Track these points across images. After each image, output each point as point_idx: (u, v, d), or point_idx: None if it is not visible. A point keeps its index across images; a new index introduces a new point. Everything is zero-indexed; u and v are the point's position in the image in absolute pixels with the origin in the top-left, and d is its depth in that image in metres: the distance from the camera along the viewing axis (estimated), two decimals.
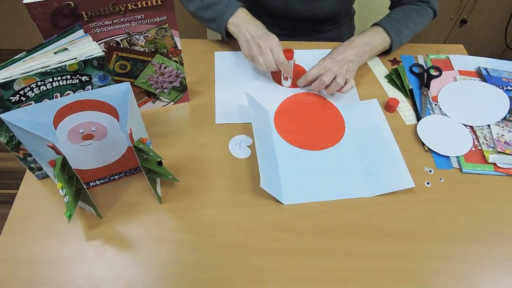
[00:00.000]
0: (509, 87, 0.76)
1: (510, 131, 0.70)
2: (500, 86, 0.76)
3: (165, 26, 0.61)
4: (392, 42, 0.80)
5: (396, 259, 0.57)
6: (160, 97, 0.73)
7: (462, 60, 0.83)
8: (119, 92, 0.49)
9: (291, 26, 0.93)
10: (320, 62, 0.75)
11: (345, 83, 0.73)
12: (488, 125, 0.71)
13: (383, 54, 0.85)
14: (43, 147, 0.45)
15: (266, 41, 0.73)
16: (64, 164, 0.47)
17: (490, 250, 0.58)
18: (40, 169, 0.60)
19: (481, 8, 1.61)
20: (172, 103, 0.75)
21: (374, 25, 0.81)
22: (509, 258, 0.57)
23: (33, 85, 0.47)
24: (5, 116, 0.43)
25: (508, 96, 0.73)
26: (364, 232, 0.59)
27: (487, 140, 0.69)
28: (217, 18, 0.79)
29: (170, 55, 0.66)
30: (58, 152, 0.44)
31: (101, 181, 0.61)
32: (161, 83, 0.70)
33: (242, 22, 0.77)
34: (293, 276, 0.55)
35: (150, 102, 0.73)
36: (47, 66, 0.47)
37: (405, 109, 0.75)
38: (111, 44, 0.60)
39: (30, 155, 0.57)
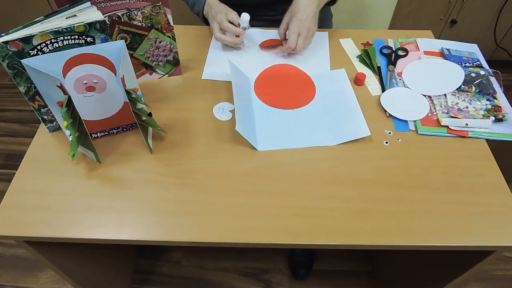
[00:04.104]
0: (467, 64, 0.84)
1: (464, 100, 0.78)
2: (459, 63, 0.84)
3: (158, 4, 0.73)
4: None
5: (350, 201, 0.65)
6: (156, 69, 0.84)
7: (428, 43, 0.92)
8: (115, 49, 0.60)
9: (268, 14, 1.02)
10: (290, 30, 0.84)
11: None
12: (445, 95, 0.79)
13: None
14: (53, 88, 0.56)
15: (220, 19, 0.87)
16: (70, 104, 0.58)
17: (436, 195, 0.66)
18: (51, 121, 0.72)
19: (469, 8, 1.69)
20: (167, 75, 0.86)
21: None
22: (452, 201, 0.65)
23: (48, 42, 0.59)
24: (25, 61, 0.55)
25: (464, 71, 0.82)
26: (325, 179, 0.68)
27: (442, 108, 0.77)
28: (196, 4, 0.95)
29: (164, 31, 0.77)
30: (65, 91, 0.55)
31: (101, 134, 0.72)
32: (156, 56, 0.81)
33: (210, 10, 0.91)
34: (261, 212, 0.64)
35: (147, 74, 0.84)
36: (60, 27, 0.59)
37: (372, 83, 0.85)
38: (114, 18, 0.72)
39: (44, 106, 0.68)
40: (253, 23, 0.91)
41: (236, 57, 0.90)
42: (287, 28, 0.86)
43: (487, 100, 0.78)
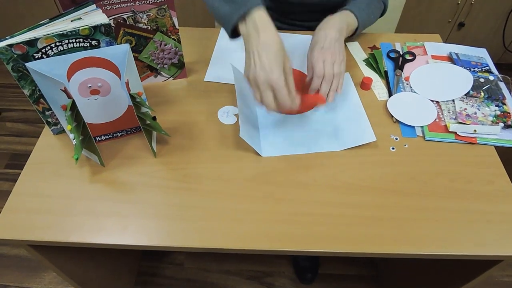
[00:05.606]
0: (476, 69, 0.83)
1: (472, 105, 0.76)
2: (468, 68, 0.83)
3: (164, 7, 0.72)
4: (358, 27, 0.84)
5: (355, 207, 0.64)
6: (161, 72, 0.84)
7: (436, 47, 0.91)
8: (120, 52, 0.59)
9: (301, 17, 0.99)
10: (312, 59, 0.73)
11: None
12: (453, 100, 0.78)
13: (349, 39, 0.90)
14: (58, 91, 0.55)
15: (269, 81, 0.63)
16: (74, 107, 0.57)
17: (443, 203, 0.65)
18: (56, 124, 0.71)
19: (477, 11, 1.67)
20: (172, 78, 0.86)
21: (343, 9, 0.83)
22: (460, 209, 0.64)
23: (53, 45, 0.59)
24: (30, 64, 0.54)
25: (473, 76, 0.80)
26: (329, 186, 0.67)
27: (450, 113, 0.76)
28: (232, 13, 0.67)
29: (169, 33, 0.77)
30: (69, 95, 0.55)
31: (105, 137, 0.72)
32: (161, 59, 0.81)
33: (253, 32, 0.65)
34: (265, 218, 0.63)
35: (152, 76, 0.84)
36: (64, 30, 0.59)
37: (378, 87, 0.83)
38: (119, 20, 0.71)
39: (48, 109, 0.68)
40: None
41: (239, 61, 0.89)
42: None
43: (496, 106, 0.76)
